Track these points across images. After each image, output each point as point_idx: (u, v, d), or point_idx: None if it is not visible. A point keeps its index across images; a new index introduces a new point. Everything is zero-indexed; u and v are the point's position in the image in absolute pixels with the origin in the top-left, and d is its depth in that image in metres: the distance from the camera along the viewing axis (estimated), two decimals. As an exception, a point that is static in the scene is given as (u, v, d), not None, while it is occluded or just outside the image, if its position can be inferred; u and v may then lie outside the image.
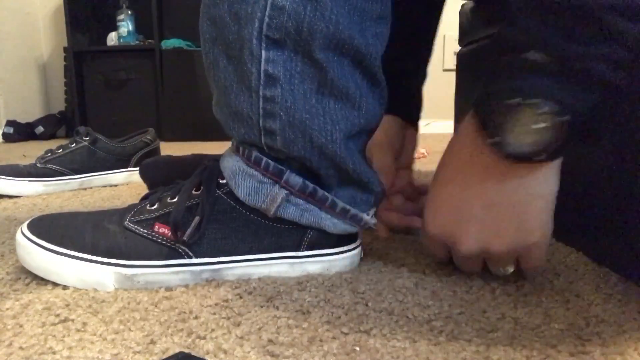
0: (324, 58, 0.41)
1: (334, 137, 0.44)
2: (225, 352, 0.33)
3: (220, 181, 0.47)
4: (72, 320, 0.38)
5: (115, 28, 2.37)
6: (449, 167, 0.44)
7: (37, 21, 2.67)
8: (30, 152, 1.73)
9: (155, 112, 2.30)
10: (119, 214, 0.47)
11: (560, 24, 0.34)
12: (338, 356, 0.33)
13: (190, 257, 0.45)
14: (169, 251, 0.45)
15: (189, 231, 0.44)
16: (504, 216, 0.40)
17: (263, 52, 0.41)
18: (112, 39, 2.38)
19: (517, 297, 0.42)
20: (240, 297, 0.42)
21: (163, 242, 0.45)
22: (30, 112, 2.53)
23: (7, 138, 2.31)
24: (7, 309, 0.40)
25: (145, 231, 0.45)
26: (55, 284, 0.45)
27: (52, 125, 2.48)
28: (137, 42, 2.36)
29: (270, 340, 0.35)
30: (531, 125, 0.36)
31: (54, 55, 2.68)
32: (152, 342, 0.35)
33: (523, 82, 0.36)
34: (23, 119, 2.41)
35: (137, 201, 0.49)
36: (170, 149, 1.79)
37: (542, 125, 0.35)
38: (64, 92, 2.56)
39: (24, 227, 0.46)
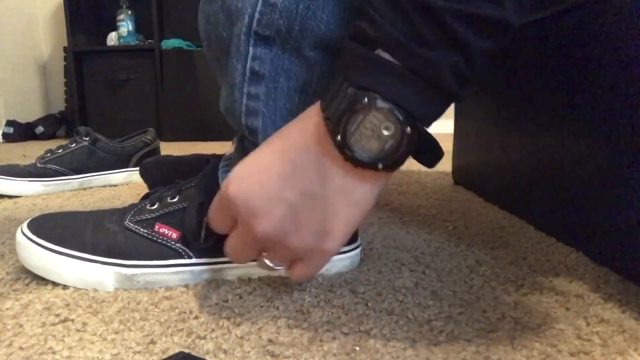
0: (313, 57, 0.41)
1: None
2: (225, 352, 0.33)
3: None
4: (72, 320, 0.38)
5: (115, 28, 2.36)
6: (282, 140, 0.38)
7: (37, 21, 2.67)
8: (30, 152, 1.73)
9: (155, 112, 2.30)
10: (119, 214, 0.47)
11: (409, 24, 0.31)
12: (338, 356, 0.33)
13: (190, 257, 0.45)
14: (169, 251, 0.45)
15: (202, 233, 0.44)
16: (316, 212, 0.36)
17: (250, 49, 0.41)
18: (112, 39, 2.38)
19: (517, 297, 0.42)
20: (240, 297, 0.42)
21: (163, 242, 0.45)
22: (30, 112, 2.53)
23: (7, 138, 2.31)
24: (7, 309, 0.40)
25: (146, 231, 0.45)
26: (55, 284, 0.45)
27: (52, 125, 2.48)
28: (137, 42, 2.36)
29: (270, 340, 0.35)
30: (376, 131, 0.33)
31: (54, 55, 2.68)
32: (152, 342, 0.35)
33: (373, 81, 0.32)
34: (23, 119, 2.41)
35: (137, 201, 0.49)
36: (170, 149, 1.78)
37: (387, 132, 0.33)
38: (64, 92, 2.56)
39: (24, 226, 0.46)
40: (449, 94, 0.32)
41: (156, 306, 0.40)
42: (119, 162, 1.01)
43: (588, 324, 0.37)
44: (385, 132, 0.33)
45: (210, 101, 2.11)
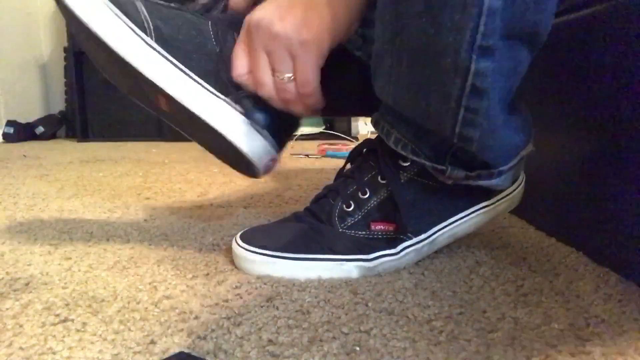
0: (525, 51, 0.40)
1: (520, 142, 0.46)
2: (225, 352, 0.33)
3: (402, 164, 0.49)
4: (72, 320, 0.38)
5: (115, 28, 2.36)
6: None
7: (37, 21, 2.67)
8: (31, 152, 1.73)
9: (155, 112, 2.30)
10: (317, 224, 0.49)
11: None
12: (338, 356, 0.33)
13: (410, 238, 0.49)
14: (394, 240, 0.48)
15: (409, 227, 0.48)
16: (298, 7, 0.44)
17: (472, 65, 0.38)
18: (112, 39, 2.37)
19: (517, 297, 0.42)
20: (240, 297, 0.42)
21: (385, 235, 0.48)
22: (30, 112, 2.53)
23: (7, 138, 2.31)
24: (7, 309, 0.40)
25: (364, 232, 0.48)
26: (54, 284, 0.45)
27: (52, 125, 2.48)
28: (137, 42, 2.36)
29: (270, 341, 0.35)
30: None
31: (54, 55, 2.68)
32: (152, 342, 0.35)
33: None
34: (23, 119, 2.41)
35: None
36: (171, 148, 1.79)
37: None
38: (64, 92, 2.56)
39: (247, 247, 0.48)
40: None
41: (156, 306, 0.40)
42: None
43: (588, 324, 0.37)
44: None
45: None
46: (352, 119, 2.24)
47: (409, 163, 0.49)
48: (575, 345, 0.34)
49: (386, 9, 0.42)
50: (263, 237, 0.49)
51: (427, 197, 0.49)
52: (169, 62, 0.48)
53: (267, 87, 0.47)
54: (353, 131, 2.27)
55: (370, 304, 0.40)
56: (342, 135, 2.12)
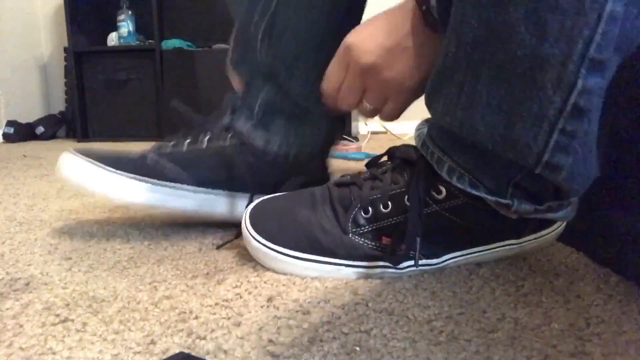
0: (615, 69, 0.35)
1: (597, 166, 0.40)
2: (225, 352, 0.33)
3: (437, 196, 0.45)
4: (72, 320, 0.38)
5: (115, 28, 2.37)
6: (386, 13, 0.50)
7: (37, 21, 2.67)
8: (31, 152, 1.73)
9: (155, 112, 2.30)
10: (331, 222, 0.47)
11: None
12: (338, 356, 0.33)
13: (420, 258, 0.46)
14: (402, 257, 0.45)
15: (417, 254, 0.45)
16: (402, 55, 0.48)
17: (580, 81, 0.33)
18: (112, 39, 2.38)
19: (517, 297, 0.42)
20: (240, 297, 0.42)
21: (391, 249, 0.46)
22: (30, 112, 2.53)
23: (8, 138, 2.31)
24: (7, 309, 0.40)
25: (373, 244, 0.46)
26: (54, 284, 0.45)
27: (52, 125, 2.48)
28: (137, 42, 2.36)
29: (270, 341, 0.35)
30: None
31: (54, 55, 2.68)
32: (152, 342, 0.35)
33: None
34: (23, 119, 2.41)
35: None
36: (170, 149, 1.78)
37: None
38: (64, 92, 2.56)
39: (254, 234, 0.48)
40: None
41: (156, 306, 0.40)
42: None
43: (588, 325, 0.37)
44: None
45: (210, 101, 2.11)
46: (352, 118, 2.24)
47: (444, 195, 0.45)
48: (575, 345, 0.34)
49: (468, 14, 0.36)
50: (272, 222, 0.49)
51: (450, 230, 0.46)
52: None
53: (350, 105, 0.54)
54: (353, 131, 2.27)
55: (370, 304, 0.40)
56: (342, 135, 2.12)
